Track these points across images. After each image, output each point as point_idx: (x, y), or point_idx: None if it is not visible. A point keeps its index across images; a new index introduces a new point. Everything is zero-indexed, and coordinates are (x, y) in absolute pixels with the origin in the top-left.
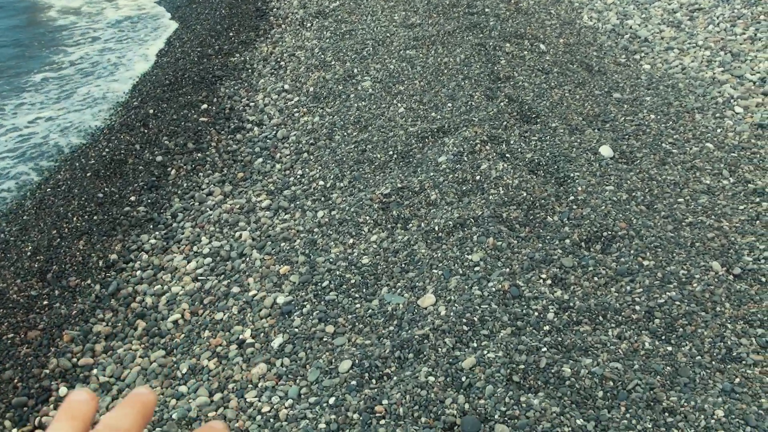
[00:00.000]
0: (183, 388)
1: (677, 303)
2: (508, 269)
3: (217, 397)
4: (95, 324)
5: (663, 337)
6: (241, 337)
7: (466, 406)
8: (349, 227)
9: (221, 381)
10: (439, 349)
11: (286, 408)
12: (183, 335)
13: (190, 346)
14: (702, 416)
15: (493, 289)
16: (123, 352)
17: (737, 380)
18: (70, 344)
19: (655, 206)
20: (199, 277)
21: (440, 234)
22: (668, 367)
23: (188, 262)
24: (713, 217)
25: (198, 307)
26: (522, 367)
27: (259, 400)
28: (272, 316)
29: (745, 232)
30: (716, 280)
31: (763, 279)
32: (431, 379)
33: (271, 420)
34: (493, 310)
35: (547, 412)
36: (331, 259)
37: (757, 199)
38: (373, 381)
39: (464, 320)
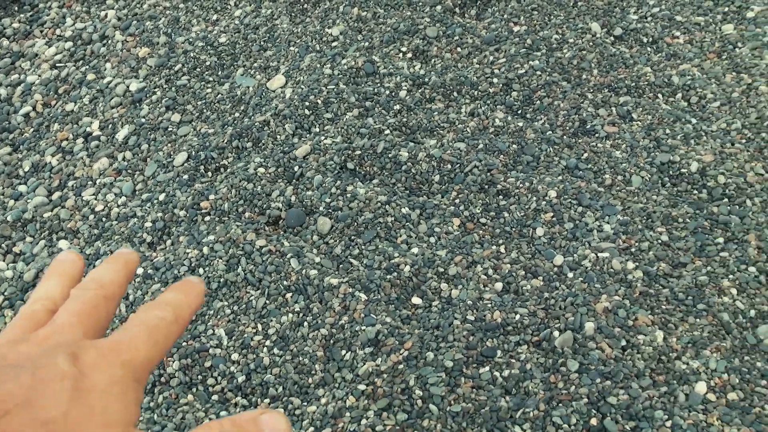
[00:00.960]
0: (23, 188)
1: (538, 72)
2: (366, 43)
3: (55, 196)
4: None
5: (519, 112)
6: (88, 129)
7: (293, 198)
8: (214, 1)
9: (62, 178)
10: (278, 137)
11: (118, 206)
12: (32, 129)
13: (38, 141)
14: (534, 197)
15: (345, 66)
16: None
17: (585, 155)
18: None
19: None
20: (57, 64)
21: (306, 5)
22: (514, 146)
23: (49, 47)
24: None
25: (52, 98)
26: (358, 153)
27: (95, 198)
28: (123, 105)
29: None
30: (591, 44)
31: (645, 39)
32: (261, 170)
33: (103, 219)
34: (340, 91)
35: (372, 201)
36: (190, 39)
37: None
38: (209, 174)
39: (307, 103)
